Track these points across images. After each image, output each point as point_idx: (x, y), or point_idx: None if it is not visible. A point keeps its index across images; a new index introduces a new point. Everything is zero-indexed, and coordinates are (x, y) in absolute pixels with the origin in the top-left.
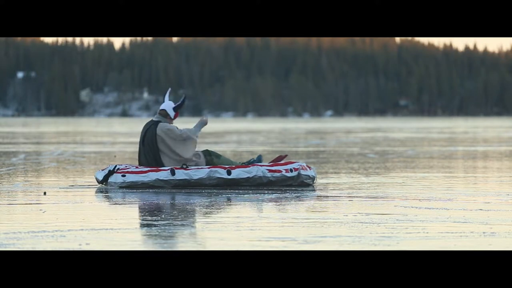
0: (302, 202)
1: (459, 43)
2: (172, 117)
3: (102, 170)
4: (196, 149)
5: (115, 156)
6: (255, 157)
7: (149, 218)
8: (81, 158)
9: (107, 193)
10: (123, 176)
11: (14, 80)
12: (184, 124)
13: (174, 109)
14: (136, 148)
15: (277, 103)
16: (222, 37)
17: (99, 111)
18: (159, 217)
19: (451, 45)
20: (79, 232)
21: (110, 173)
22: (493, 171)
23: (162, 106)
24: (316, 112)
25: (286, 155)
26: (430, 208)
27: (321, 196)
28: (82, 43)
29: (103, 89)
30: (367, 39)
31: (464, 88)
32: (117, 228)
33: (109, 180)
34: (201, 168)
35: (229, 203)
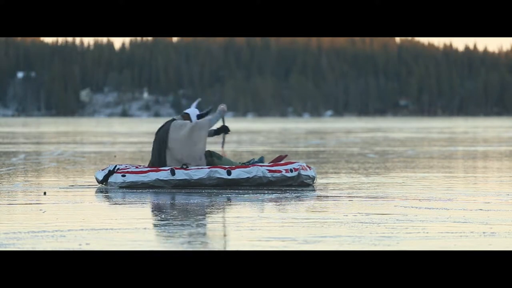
0: (302, 202)
1: (459, 43)
2: None
3: (102, 170)
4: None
5: (115, 156)
6: (256, 158)
7: (149, 218)
8: (81, 158)
9: (107, 193)
10: (123, 176)
11: (14, 80)
12: None
13: (198, 116)
14: (136, 148)
15: (277, 103)
16: (222, 37)
17: (99, 111)
18: (159, 217)
19: (451, 45)
20: (79, 232)
21: (110, 173)
22: (493, 171)
23: (187, 111)
24: (316, 112)
25: (286, 155)
26: (430, 208)
27: (321, 196)
28: (82, 43)
29: (103, 89)
30: (367, 39)
31: (464, 88)
32: (117, 228)
33: (109, 180)
34: (201, 168)
35: (229, 203)
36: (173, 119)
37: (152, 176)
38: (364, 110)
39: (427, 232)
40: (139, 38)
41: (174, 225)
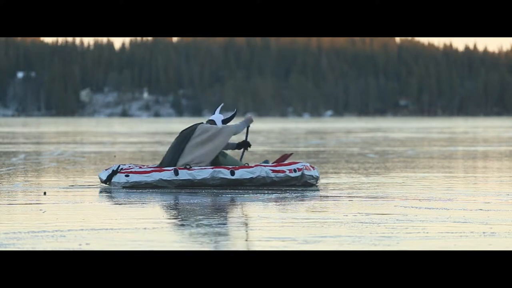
0: (302, 202)
1: (459, 43)
2: None
3: (106, 170)
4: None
5: (115, 156)
6: (261, 161)
7: (149, 218)
8: (81, 158)
9: (107, 193)
10: (127, 176)
11: (14, 80)
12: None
13: (223, 121)
14: (136, 148)
15: (277, 103)
16: (222, 37)
17: (99, 111)
18: (159, 217)
19: (451, 45)
20: (79, 232)
21: (114, 173)
22: (493, 171)
23: (212, 117)
24: (316, 112)
25: (291, 154)
26: (430, 208)
27: (321, 196)
28: (82, 43)
29: (103, 89)
30: (367, 39)
31: (464, 88)
32: (117, 228)
33: (112, 180)
34: (205, 168)
35: (229, 203)
36: (201, 122)
37: (156, 176)
38: (364, 110)
39: (427, 232)
40: (139, 38)
41: (174, 225)
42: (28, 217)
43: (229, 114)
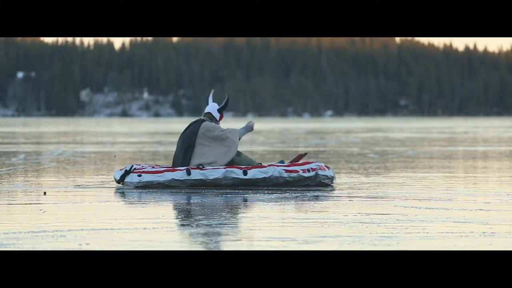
0: (302, 202)
1: (459, 43)
2: (218, 119)
3: (120, 169)
4: None
5: (115, 156)
6: (277, 161)
7: (149, 218)
8: (81, 158)
9: (107, 193)
10: (139, 176)
11: (14, 80)
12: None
13: (219, 110)
14: (136, 148)
15: (277, 103)
16: (222, 37)
17: (99, 111)
18: (159, 217)
19: (451, 45)
20: (79, 232)
21: (127, 173)
22: (493, 171)
23: (207, 109)
24: (316, 112)
25: (305, 154)
26: (430, 208)
27: (321, 196)
28: (82, 43)
29: (103, 89)
30: (367, 39)
31: (464, 88)
32: (117, 228)
33: (125, 180)
34: (217, 168)
35: (229, 203)
36: (200, 118)
37: (168, 176)
38: (364, 110)
39: (427, 232)
40: (139, 38)
41: (174, 225)
42: (28, 217)
43: (224, 102)
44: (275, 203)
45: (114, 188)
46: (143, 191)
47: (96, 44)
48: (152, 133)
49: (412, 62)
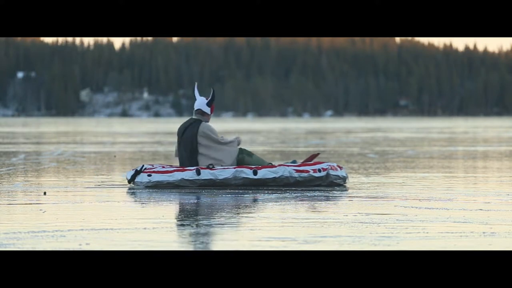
0: (302, 202)
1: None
2: (209, 113)
3: (132, 170)
4: None
5: (115, 156)
6: (289, 161)
7: (149, 218)
8: (81, 158)
9: (107, 193)
10: (149, 175)
11: (14, 80)
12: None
13: (208, 104)
14: (136, 148)
15: (277, 103)
16: (222, 37)
17: (99, 111)
18: (159, 217)
19: (451, 45)
20: (79, 232)
21: (137, 172)
22: (493, 171)
23: (196, 106)
24: (316, 112)
25: (318, 154)
26: (430, 208)
27: (321, 196)
28: (82, 43)
29: (103, 89)
30: (367, 39)
31: (464, 88)
32: (117, 228)
33: (135, 180)
34: (227, 168)
35: (229, 203)
36: (198, 120)
37: (178, 175)
38: (364, 110)
39: (427, 232)
40: (139, 38)
41: (174, 225)
42: (28, 217)
43: (210, 95)
44: (275, 203)
45: (114, 188)
46: (143, 191)
47: (96, 44)
48: (152, 133)
49: (412, 62)
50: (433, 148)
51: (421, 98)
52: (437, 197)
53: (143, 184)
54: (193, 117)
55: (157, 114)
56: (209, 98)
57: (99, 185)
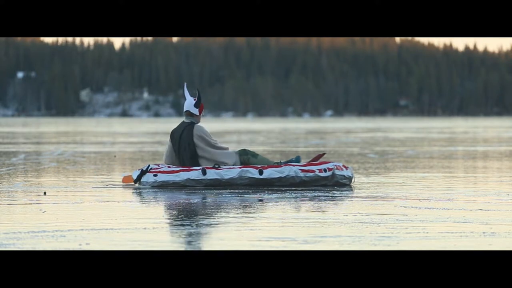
0: (302, 202)
1: (459, 43)
2: (198, 114)
3: (138, 170)
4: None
5: (115, 156)
6: (293, 157)
7: (149, 218)
8: (81, 158)
9: (107, 193)
10: (155, 175)
11: (14, 80)
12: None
13: (196, 105)
14: (136, 148)
15: (277, 103)
16: (222, 37)
17: (99, 111)
18: (159, 217)
19: (451, 45)
20: (79, 232)
21: (143, 172)
22: (493, 171)
23: (185, 107)
24: (316, 112)
25: (324, 153)
26: (430, 208)
27: (321, 196)
28: (82, 43)
29: (103, 89)
30: (367, 39)
31: (464, 88)
32: (117, 228)
33: (141, 180)
34: (233, 167)
35: (229, 203)
36: (185, 122)
37: (183, 175)
38: (364, 110)
39: (427, 232)
40: (139, 38)
41: (174, 225)
42: (28, 217)
43: (197, 95)
44: (275, 203)
45: (114, 188)
46: (143, 191)
47: (96, 44)
48: (152, 133)
49: (412, 62)
50: (433, 148)
51: (421, 98)
52: (437, 197)
53: (149, 184)
54: (185, 120)
55: (157, 114)
56: (196, 100)
57: (99, 185)
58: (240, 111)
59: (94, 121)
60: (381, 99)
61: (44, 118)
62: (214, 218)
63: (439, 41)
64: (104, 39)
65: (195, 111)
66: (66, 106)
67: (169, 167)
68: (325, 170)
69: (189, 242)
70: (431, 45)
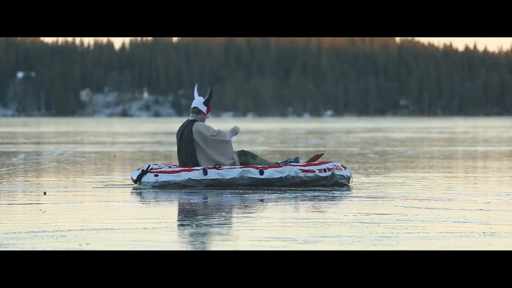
0: (302, 202)
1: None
2: (205, 112)
3: (138, 169)
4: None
5: (115, 156)
6: (292, 158)
7: (149, 218)
8: (81, 158)
9: (107, 193)
10: (156, 175)
11: (14, 80)
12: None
13: (205, 103)
14: (136, 148)
15: (277, 103)
16: (222, 37)
17: (99, 111)
18: (159, 217)
19: (451, 45)
20: (79, 232)
21: (144, 172)
22: (493, 171)
23: (193, 104)
24: (316, 112)
25: (322, 154)
26: (430, 208)
27: (321, 196)
28: (82, 43)
29: (103, 89)
30: (367, 39)
31: (464, 88)
32: (117, 228)
33: (142, 180)
34: (234, 167)
35: (229, 203)
36: (189, 120)
37: (184, 175)
38: (364, 110)
39: (427, 232)
40: (139, 38)
41: (174, 225)
42: (28, 217)
43: (208, 94)
44: (275, 203)
45: (114, 188)
46: (143, 191)
47: (96, 44)
48: (152, 133)
49: (412, 62)
50: (433, 148)
51: (421, 98)
52: (437, 197)
53: (150, 184)
54: (189, 118)
55: (157, 114)
56: (206, 97)
57: (99, 185)
58: (240, 111)
59: (94, 121)
60: (381, 99)
61: (44, 118)
62: (214, 218)
63: (439, 41)
64: (104, 39)
65: (203, 108)
66: (66, 106)
67: (169, 167)
68: (325, 170)
69: (189, 242)
70: (431, 45)
